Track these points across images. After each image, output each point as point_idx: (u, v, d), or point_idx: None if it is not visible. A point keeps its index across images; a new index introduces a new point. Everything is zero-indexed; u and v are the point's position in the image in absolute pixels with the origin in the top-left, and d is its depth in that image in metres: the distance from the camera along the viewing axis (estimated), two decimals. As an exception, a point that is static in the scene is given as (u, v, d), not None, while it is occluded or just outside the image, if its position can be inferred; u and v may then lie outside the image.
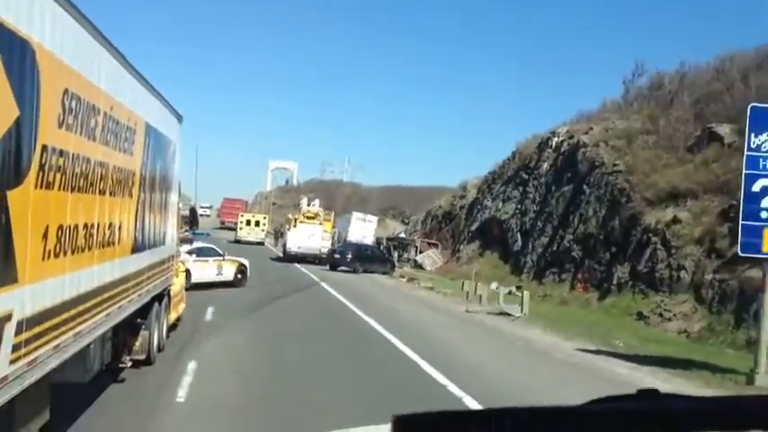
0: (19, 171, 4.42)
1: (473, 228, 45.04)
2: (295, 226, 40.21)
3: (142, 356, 9.60)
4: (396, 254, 46.56)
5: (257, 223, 58.19)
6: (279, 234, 55.63)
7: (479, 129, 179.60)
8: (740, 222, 12.34)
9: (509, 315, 20.68)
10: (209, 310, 16.94)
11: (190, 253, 22.15)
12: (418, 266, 44.66)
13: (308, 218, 40.98)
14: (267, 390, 9.44)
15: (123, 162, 7.44)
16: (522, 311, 20.85)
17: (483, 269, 36.54)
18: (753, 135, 12.31)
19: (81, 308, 5.98)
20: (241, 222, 57.92)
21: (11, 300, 4.35)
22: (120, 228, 7.39)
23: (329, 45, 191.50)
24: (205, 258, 22.39)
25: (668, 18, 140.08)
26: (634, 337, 17.96)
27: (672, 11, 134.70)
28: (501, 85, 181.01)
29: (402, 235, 56.81)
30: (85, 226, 5.99)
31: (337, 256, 36.74)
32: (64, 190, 5.32)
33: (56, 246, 5.16)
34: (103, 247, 6.71)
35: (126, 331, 8.89)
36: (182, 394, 8.85)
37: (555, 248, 32.87)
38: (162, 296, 10.85)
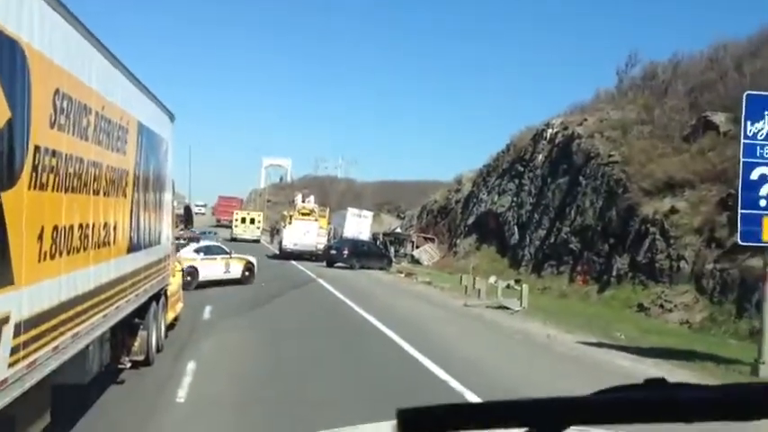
0: (12, 172, 4.37)
1: (469, 221, 45.05)
2: (290, 223, 40.16)
3: (141, 357, 9.56)
4: (392, 249, 46.56)
5: (252, 221, 58.26)
6: (274, 231, 55.63)
7: (473, 122, 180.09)
8: (739, 211, 12.30)
9: (508, 309, 20.65)
10: (207, 309, 16.88)
11: (197, 251, 22.48)
12: (415, 261, 44.66)
13: (303, 214, 40.94)
14: (267, 389, 9.39)
15: (116, 161, 7.38)
16: (521, 305, 20.83)
17: (481, 263, 36.56)
18: (749, 123, 12.27)
19: (79, 309, 5.93)
20: (236, 220, 57.97)
21: (8, 302, 4.31)
22: (115, 228, 7.33)
23: (322, 41, 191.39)
24: (213, 256, 22.74)
25: (661, 7, 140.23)
26: (635, 328, 17.94)
27: (664, 0, 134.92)
28: (494, 78, 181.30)
29: (398, 230, 56.82)
30: (80, 226, 5.93)
31: (334, 252, 36.71)
32: (58, 191, 5.26)
33: (51, 247, 5.11)
34: (99, 247, 6.65)
35: (124, 332, 8.85)
36: (182, 394, 8.80)
37: (553, 241, 32.88)
38: (159, 296, 10.80)
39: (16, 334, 4.46)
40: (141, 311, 9.37)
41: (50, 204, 5.11)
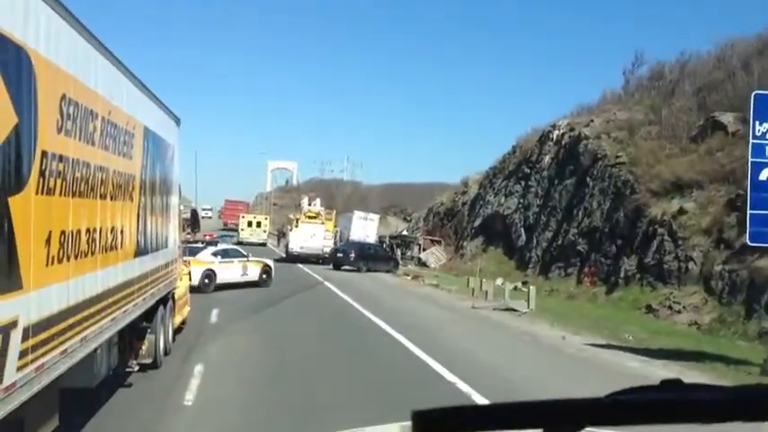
0: (20, 177, 4.40)
1: (476, 224, 44.97)
2: (297, 226, 40.21)
3: (149, 360, 9.59)
4: (399, 252, 46.52)
5: (258, 224, 58.43)
6: (281, 234, 55.68)
7: (480, 124, 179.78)
8: (748, 212, 12.25)
9: (515, 311, 20.61)
10: (214, 312, 16.91)
11: (215, 254, 22.76)
12: (422, 264, 44.62)
13: (309, 218, 40.98)
14: (274, 392, 9.39)
15: (123, 166, 7.41)
16: (528, 307, 20.78)
17: (487, 265, 36.48)
18: (757, 123, 12.22)
19: (86, 312, 5.96)
20: (243, 224, 58.08)
21: (16, 306, 4.34)
22: (122, 232, 7.36)
23: (327, 44, 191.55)
24: (230, 260, 23.08)
25: (667, 7, 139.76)
26: (643, 330, 17.86)
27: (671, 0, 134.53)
28: (500, 80, 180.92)
29: (405, 233, 56.75)
30: (88, 231, 5.96)
31: (340, 255, 36.71)
32: (65, 195, 5.29)
33: (59, 251, 5.13)
34: (106, 251, 6.67)
35: (132, 335, 8.89)
36: (189, 397, 8.82)
37: (560, 242, 32.79)
38: (166, 299, 10.83)
39: (25, 338, 4.48)
40: (149, 315, 9.40)
41: (58, 209, 5.13)
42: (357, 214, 48.85)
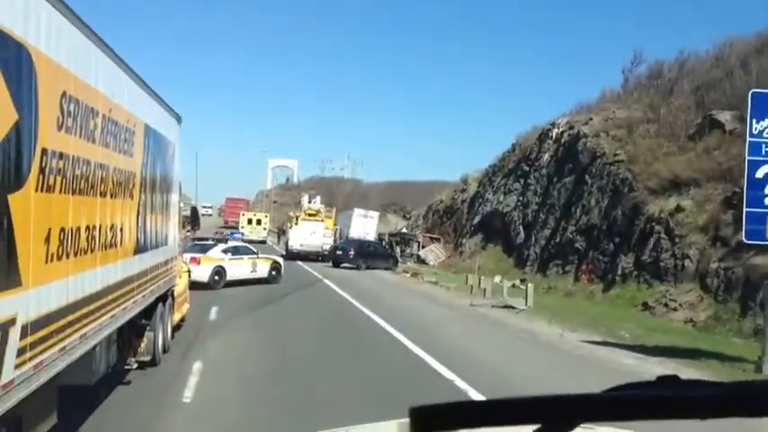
0: (19, 175, 4.41)
1: (475, 221, 45.01)
2: (297, 224, 40.23)
3: (147, 358, 9.61)
4: (398, 249, 46.54)
5: (259, 222, 58.51)
6: (281, 232, 55.71)
7: (479, 122, 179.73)
8: (744, 209, 12.29)
9: (513, 308, 20.66)
10: (213, 309, 16.93)
11: (225, 252, 23.01)
12: (421, 261, 44.65)
13: (309, 215, 41.00)
14: (273, 389, 9.42)
15: (123, 164, 7.43)
16: (526, 304, 20.83)
17: (486, 262, 36.51)
18: (754, 121, 12.26)
19: (85, 310, 5.97)
20: (243, 221, 58.14)
21: (15, 303, 4.35)
22: (121, 229, 7.38)
23: (327, 42, 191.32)
24: (240, 256, 23.39)
25: (667, 6, 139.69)
26: (640, 327, 17.92)
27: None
28: (499, 78, 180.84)
29: (404, 230, 56.78)
30: (87, 228, 5.97)
31: (340, 252, 36.73)
32: (65, 193, 5.30)
33: (58, 248, 5.14)
34: (106, 248, 6.69)
35: (131, 333, 8.90)
36: (188, 395, 8.85)
37: (558, 240, 32.83)
38: (166, 297, 10.84)
39: (23, 335, 4.49)
40: (148, 312, 9.42)
41: (57, 206, 5.15)
42: (357, 212, 48.88)
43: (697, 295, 21.21)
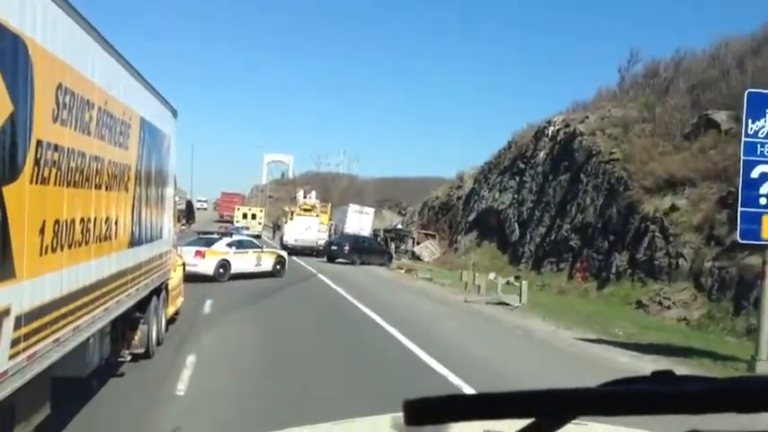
0: (14, 166, 4.40)
1: (470, 218, 45.05)
2: (292, 218, 40.24)
3: (141, 350, 9.61)
4: (393, 245, 46.57)
5: (253, 216, 58.56)
6: (276, 227, 55.71)
7: (475, 119, 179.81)
8: (739, 209, 12.31)
9: (507, 305, 20.70)
10: (208, 303, 16.93)
11: (230, 245, 23.39)
12: (416, 258, 44.68)
13: (304, 210, 41.02)
14: (267, 382, 9.43)
15: (119, 156, 7.42)
16: (520, 301, 20.87)
17: (481, 259, 36.55)
18: (750, 121, 12.26)
19: (79, 302, 5.97)
20: (237, 216, 58.12)
21: (9, 295, 4.35)
22: (116, 222, 7.37)
23: (323, 39, 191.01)
24: (245, 250, 23.81)
25: (664, 6, 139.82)
26: (633, 325, 17.97)
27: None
28: (496, 76, 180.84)
29: (399, 226, 56.81)
30: (82, 221, 5.97)
31: (335, 248, 36.74)
32: (60, 185, 5.30)
33: (53, 240, 5.14)
34: (100, 241, 6.69)
35: (125, 325, 8.90)
36: (181, 387, 8.85)
37: (553, 238, 32.89)
38: (160, 290, 10.85)
39: (17, 326, 4.50)
40: (142, 305, 9.42)
41: (52, 198, 5.14)
42: (352, 207, 48.87)
43: (691, 294, 21.29)
